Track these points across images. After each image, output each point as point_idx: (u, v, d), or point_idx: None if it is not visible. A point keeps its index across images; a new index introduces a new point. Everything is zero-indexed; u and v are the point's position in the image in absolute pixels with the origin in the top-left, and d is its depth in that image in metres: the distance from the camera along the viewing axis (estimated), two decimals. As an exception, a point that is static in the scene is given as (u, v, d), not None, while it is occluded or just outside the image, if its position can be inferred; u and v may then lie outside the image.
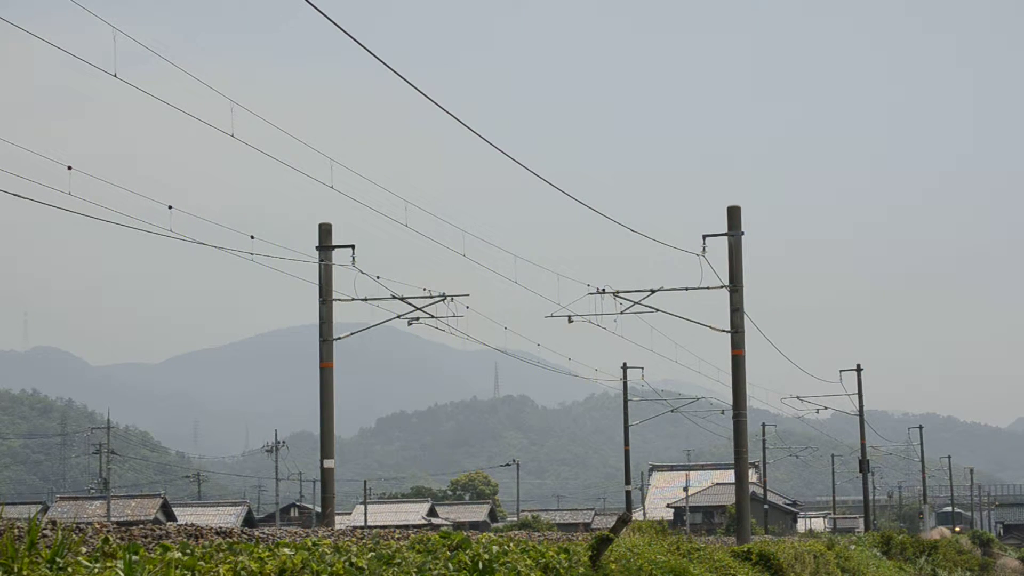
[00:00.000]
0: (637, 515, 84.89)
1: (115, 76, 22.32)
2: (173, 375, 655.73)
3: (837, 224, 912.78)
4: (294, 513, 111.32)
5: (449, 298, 35.97)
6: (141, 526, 15.66)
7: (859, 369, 69.45)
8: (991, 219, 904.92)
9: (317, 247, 34.30)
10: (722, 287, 35.52)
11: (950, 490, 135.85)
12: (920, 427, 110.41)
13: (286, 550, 11.43)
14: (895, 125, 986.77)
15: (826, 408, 70.56)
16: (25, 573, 8.91)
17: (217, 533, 16.26)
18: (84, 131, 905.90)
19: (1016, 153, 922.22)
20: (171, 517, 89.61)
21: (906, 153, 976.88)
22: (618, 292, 37.53)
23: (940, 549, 57.89)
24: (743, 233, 35.56)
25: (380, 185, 32.30)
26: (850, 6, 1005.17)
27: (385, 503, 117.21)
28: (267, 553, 11.17)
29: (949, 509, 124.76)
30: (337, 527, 29.49)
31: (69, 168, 23.61)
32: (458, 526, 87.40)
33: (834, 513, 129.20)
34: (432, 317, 36.06)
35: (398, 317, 36.40)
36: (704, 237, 35.17)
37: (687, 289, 36.23)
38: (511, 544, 15.44)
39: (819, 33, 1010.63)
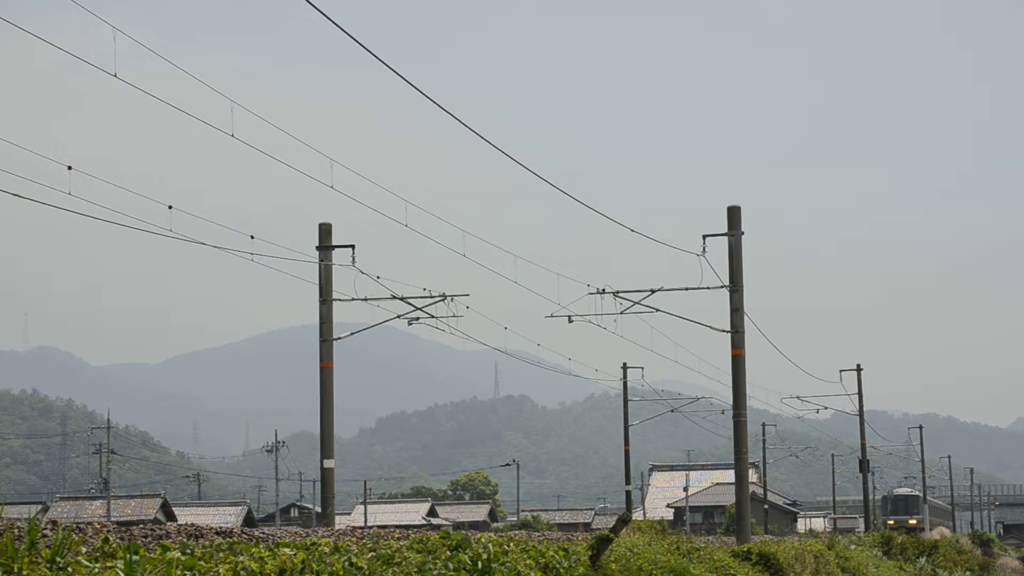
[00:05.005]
0: (637, 515, 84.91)
1: (115, 76, 22.33)
2: (173, 375, 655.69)
3: (838, 225, 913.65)
4: (294, 513, 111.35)
5: (449, 298, 35.95)
6: (141, 526, 15.66)
7: (859, 369, 69.48)
8: (991, 222, 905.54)
9: (317, 247, 34.29)
10: (722, 287, 35.52)
11: (950, 490, 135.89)
12: (920, 427, 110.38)
13: (286, 550, 11.43)
14: (903, 128, 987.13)
15: (826, 408, 70.60)
16: (25, 573, 8.91)
17: (217, 533, 16.27)
18: (84, 131, 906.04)
19: (1021, 157, 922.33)
20: (171, 517, 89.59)
21: (911, 157, 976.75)
22: (618, 292, 37.53)
23: (940, 549, 57.93)
24: (743, 233, 35.56)
25: (380, 185, 32.33)
26: (864, 5, 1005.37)
27: (385, 503, 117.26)
28: (267, 553, 11.17)
29: (907, 491, 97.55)
30: (337, 527, 29.48)
31: (69, 168, 23.62)
32: (458, 526, 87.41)
33: (834, 513, 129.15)
34: (432, 317, 36.06)
35: (398, 317, 36.38)
36: (704, 237, 35.18)
37: (687, 289, 36.23)
38: (511, 544, 15.44)
39: (825, 32, 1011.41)
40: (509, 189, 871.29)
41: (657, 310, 37.57)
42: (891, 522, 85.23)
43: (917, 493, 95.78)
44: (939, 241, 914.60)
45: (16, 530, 11.91)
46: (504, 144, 25.11)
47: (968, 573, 56.10)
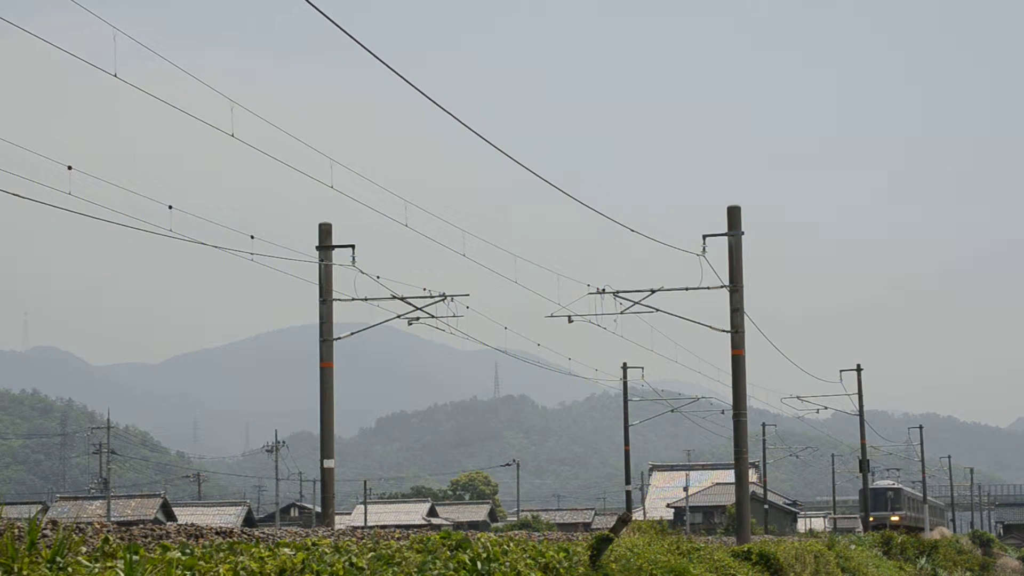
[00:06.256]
0: (637, 515, 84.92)
1: (115, 76, 22.33)
2: (173, 375, 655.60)
3: (838, 225, 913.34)
4: (294, 513, 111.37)
5: (449, 298, 35.94)
6: (141, 526, 15.67)
7: (859, 369, 69.42)
8: (991, 222, 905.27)
9: (317, 247, 34.28)
10: (722, 287, 35.53)
11: (950, 490, 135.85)
12: (920, 427, 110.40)
13: (286, 550, 11.43)
14: (903, 129, 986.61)
15: (826, 408, 70.48)
16: (25, 573, 8.91)
17: (217, 533, 16.28)
18: (84, 131, 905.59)
19: (1021, 157, 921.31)
20: (171, 517, 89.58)
21: (911, 157, 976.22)
22: (618, 292, 37.52)
23: (940, 549, 57.96)
24: (743, 233, 35.58)
25: (380, 185, 32.31)
26: (864, 6, 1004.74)
27: (385, 503, 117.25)
28: (267, 553, 11.16)
29: (887, 484, 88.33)
30: (337, 527, 29.49)
31: (69, 168, 23.61)
32: (458, 526, 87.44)
33: (834, 513, 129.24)
34: (432, 317, 36.05)
35: (398, 317, 36.36)
36: (704, 237, 35.18)
37: (687, 289, 36.23)
38: (511, 544, 15.44)
39: (825, 32, 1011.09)
40: (509, 189, 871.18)
41: (657, 310, 37.58)
42: (870, 519, 77.26)
43: (899, 486, 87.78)
44: (939, 241, 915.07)
45: (16, 530, 11.92)
46: (504, 144, 25.10)
47: (968, 573, 56.13)
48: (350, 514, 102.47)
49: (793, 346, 68.68)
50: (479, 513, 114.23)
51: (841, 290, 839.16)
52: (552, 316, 38.31)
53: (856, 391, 69.08)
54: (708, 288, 35.50)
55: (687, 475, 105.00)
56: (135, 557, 9.55)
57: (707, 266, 34.89)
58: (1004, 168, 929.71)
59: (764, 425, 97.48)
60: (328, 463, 34.03)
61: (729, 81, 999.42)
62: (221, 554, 10.99)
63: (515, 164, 26.68)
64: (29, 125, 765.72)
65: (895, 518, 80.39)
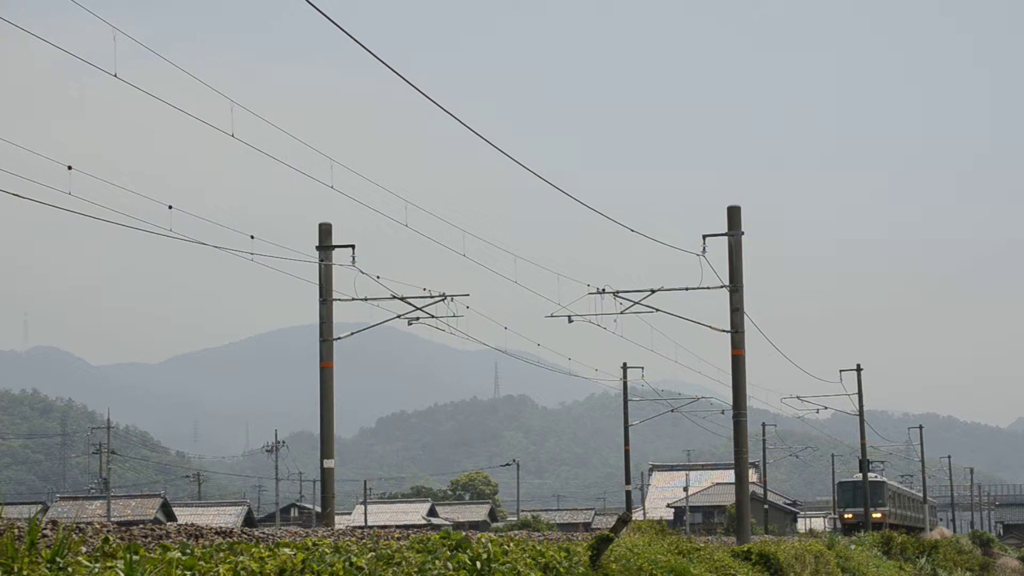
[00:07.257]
0: (637, 515, 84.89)
1: (115, 76, 22.33)
2: (173, 375, 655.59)
3: (838, 226, 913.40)
4: (294, 513, 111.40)
5: (449, 298, 35.95)
6: (141, 526, 15.68)
7: (859, 369, 69.42)
8: (992, 222, 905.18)
9: (317, 247, 34.29)
10: (722, 287, 35.54)
11: (950, 490, 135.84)
12: (920, 427, 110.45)
13: (286, 550, 11.42)
14: (903, 129, 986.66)
15: (826, 408, 70.46)
16: (25, 573, 8.91)
17: (217, 533, 16.28)
18: (84, 131, 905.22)
19: (1022, 159, 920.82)
20: (171, 517, 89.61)
21: (911, 158, 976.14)
22: (618, 292, 37.53)
23: (940, 549, 57.95)
24: (743, 233, 35.59)
25: (380, 185, 32.32)
26: (864, 5, 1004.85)
27: (385, 503, 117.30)
28: (267, 553, 11.16)
29: (870, 477, 73.66)
30: (337, 527, 29.48)
31: (69, 168, 23.60)
32: (458, 526, 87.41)
33: (834, 513, 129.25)
34: (432, 317, 36.06)
35: (398, 317, 36.38)
36: (704, 237, 35.19)
37: (687, 289, 36.25)
38: (511, 544, 15.43)
39: (824, 32, 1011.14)
40: (509, 189, 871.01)
41: (657, 310, 37.59)
42: (848, 516, 71.95)
43: (882, 479, 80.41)
44: (939, 241, 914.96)
45: (16, 530, 11.92)
46: (504, 144, 25.11)
47: (968, 573, 56.12)
48: (350, 514, 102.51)
49: (793, 346, 68.63)
50: (479, 513, 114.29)
51: (841, 290, 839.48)
52: (552, 316, 38.34)
53: (856, 391, 69.09)
54: (708, 288, 35.53)
55: (687, 475, 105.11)
56: (135, 557, 9.54)
57: (707, 266, 34.95)
58: (1004, 168, 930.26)
59: (764, 425, 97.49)
60: (328, 463, 34.04)
61: (729, 81, 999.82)
62: (221, 554, 10.98)
63: (515, 164, 26.70)
64: (29, 125, 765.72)
65: (877, 515, 71.79)
